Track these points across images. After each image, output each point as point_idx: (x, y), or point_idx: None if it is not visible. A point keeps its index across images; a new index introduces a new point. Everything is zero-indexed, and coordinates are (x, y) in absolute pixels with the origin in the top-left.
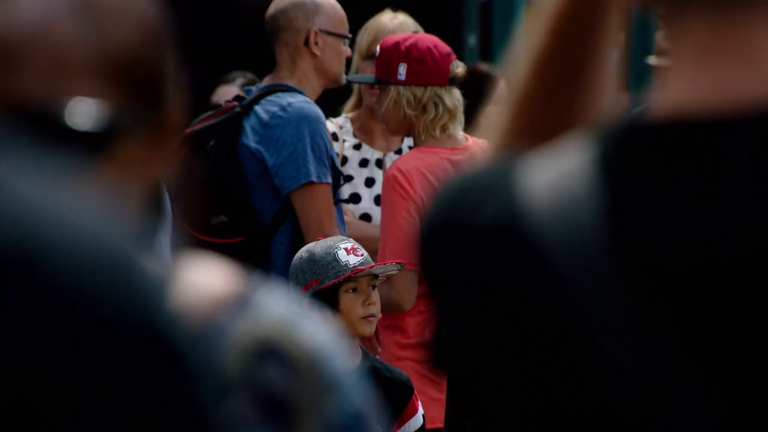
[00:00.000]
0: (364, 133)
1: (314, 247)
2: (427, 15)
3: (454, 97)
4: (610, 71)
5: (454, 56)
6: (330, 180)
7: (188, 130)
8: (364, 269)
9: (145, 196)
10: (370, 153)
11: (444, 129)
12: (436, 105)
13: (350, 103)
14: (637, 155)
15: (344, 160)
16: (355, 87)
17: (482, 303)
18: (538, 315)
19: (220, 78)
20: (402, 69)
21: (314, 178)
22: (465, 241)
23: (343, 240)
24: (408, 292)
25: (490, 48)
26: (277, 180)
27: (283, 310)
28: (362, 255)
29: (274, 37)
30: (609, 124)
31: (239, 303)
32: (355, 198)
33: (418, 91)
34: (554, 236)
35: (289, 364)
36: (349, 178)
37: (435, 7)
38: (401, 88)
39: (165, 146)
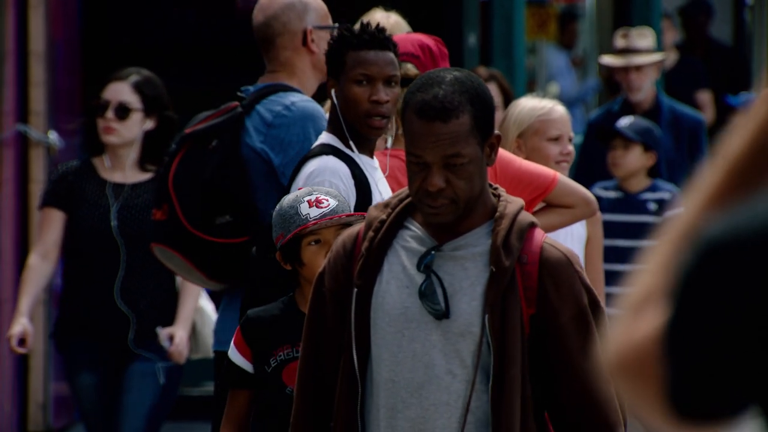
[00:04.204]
0: None
1: (284, 200)
2: (427, 14)
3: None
4: None
5: (403, 59)
6: None
7: (189, 130)
8: (312, 223)
9: None
10: None
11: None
12: None
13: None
14: None
15: None
16: None
17: None
18: None
19: (112, 75)
20: None
21: None
22: None
23: (311, 192)
24: None
25: (490, 48)
26: (284, 179)
27: None
28: (326, 206)
29: (269, 43)
30: None
31: None
32: None
33: None
34: None
35: None
36: None
37: (435, 6)
38: None
39: None
